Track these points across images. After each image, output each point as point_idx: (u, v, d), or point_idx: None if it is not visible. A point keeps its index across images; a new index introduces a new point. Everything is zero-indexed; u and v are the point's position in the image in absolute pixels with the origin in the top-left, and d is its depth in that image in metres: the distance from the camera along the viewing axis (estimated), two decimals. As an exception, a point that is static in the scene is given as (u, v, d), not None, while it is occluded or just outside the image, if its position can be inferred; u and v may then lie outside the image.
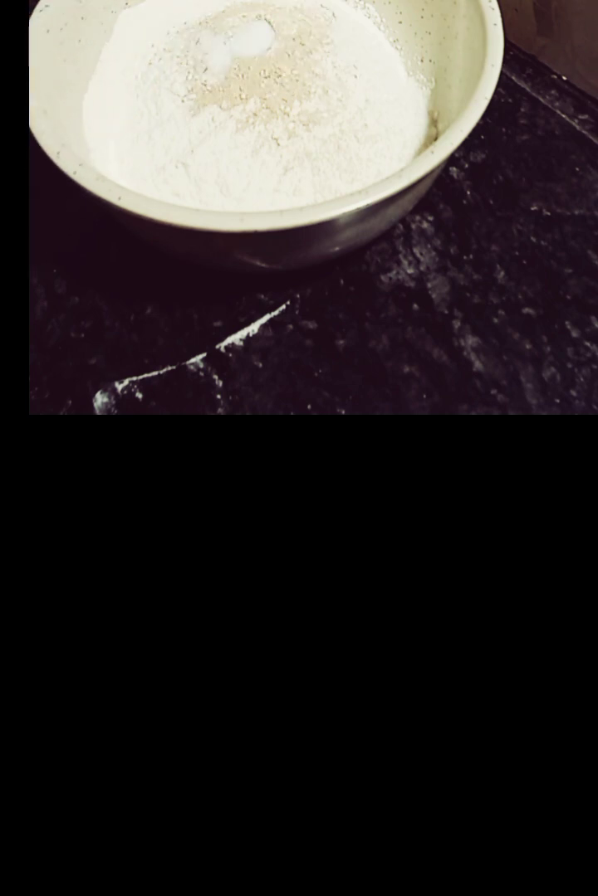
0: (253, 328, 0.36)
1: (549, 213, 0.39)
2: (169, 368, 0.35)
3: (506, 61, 0.34)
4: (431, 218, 0.39)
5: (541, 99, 0.44)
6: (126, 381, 0.34)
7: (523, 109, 0.44)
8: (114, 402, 0.34)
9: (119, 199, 0.29)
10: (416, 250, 0.38)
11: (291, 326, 0.36)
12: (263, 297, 0.37)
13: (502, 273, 0.37)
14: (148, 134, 0.37)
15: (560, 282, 0.37)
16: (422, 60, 0.40)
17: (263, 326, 0.36)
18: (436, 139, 0.34)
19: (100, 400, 0.34)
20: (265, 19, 0.41)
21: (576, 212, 0.39)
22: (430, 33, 0.40)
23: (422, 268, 0.37)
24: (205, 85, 0.37)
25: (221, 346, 0.35)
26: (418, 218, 0.39)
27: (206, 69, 0.38)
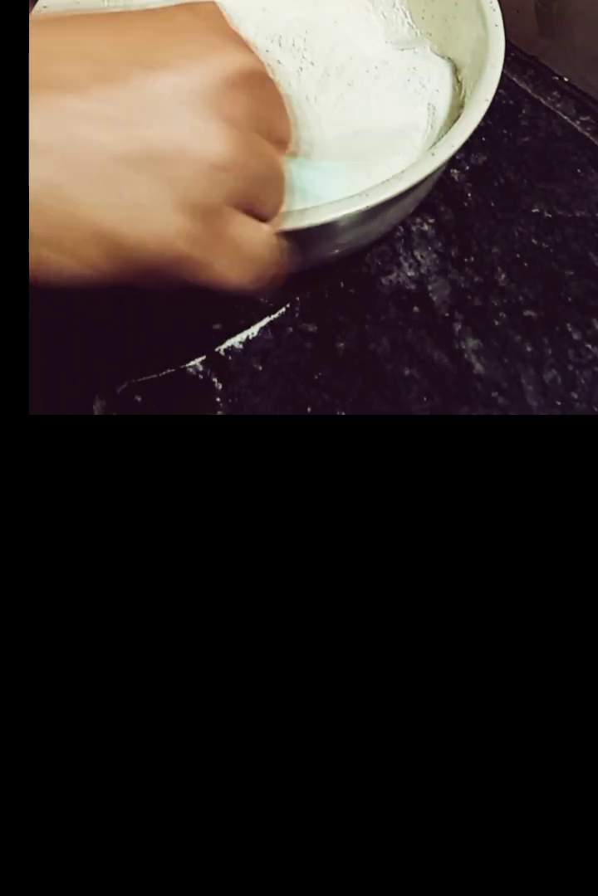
0: (253, 331, 0.36)
1: (550, 215, 0.39)
2: (168, 371, 0.34)
3: (507, 63, 0.34)
4: (431, 220, 0.39)
5: (542, 100, 0.44)
6: (125, 384, 0.34)
7: (524, 111, 0.44)
8: (113, 404, 0.34)
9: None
10: (416, 252, 0.38)
11: (290, 329, 0.36)
12: (262, 299, 0.37)
13: (503, 275, 0.37)
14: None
15: (562, 284, 0.37)
16: (423, 62, 0.40)
17: (263, 329, 0.36)
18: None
19: (99, 403, 0.34)
20: None
21: (577, 213, 0.39)
22: (431, 35, 0.40)
23: (423, 270, 0.37)
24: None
25: (221, 348, 0.35)
26: (418, 220, 0.39)
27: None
